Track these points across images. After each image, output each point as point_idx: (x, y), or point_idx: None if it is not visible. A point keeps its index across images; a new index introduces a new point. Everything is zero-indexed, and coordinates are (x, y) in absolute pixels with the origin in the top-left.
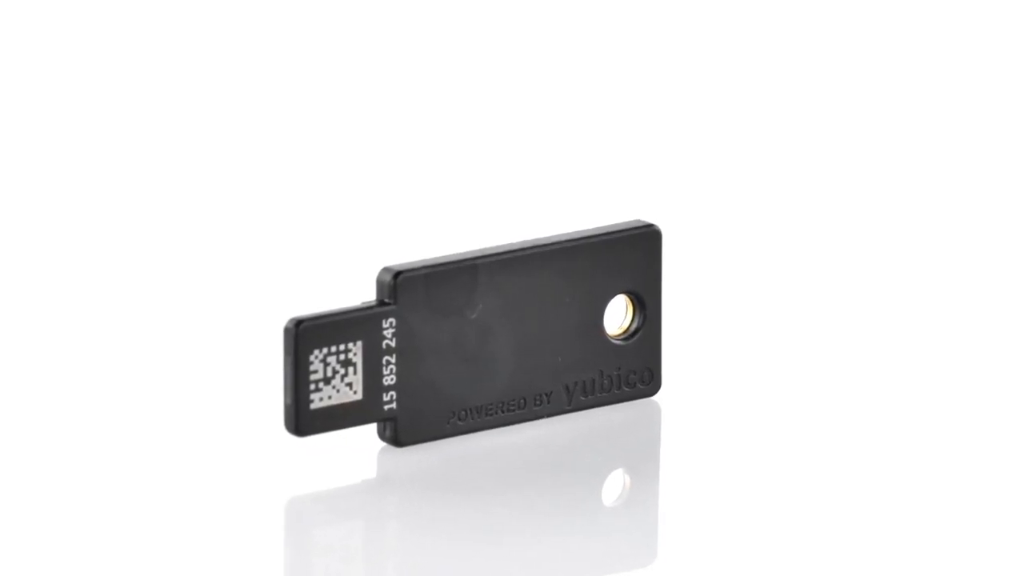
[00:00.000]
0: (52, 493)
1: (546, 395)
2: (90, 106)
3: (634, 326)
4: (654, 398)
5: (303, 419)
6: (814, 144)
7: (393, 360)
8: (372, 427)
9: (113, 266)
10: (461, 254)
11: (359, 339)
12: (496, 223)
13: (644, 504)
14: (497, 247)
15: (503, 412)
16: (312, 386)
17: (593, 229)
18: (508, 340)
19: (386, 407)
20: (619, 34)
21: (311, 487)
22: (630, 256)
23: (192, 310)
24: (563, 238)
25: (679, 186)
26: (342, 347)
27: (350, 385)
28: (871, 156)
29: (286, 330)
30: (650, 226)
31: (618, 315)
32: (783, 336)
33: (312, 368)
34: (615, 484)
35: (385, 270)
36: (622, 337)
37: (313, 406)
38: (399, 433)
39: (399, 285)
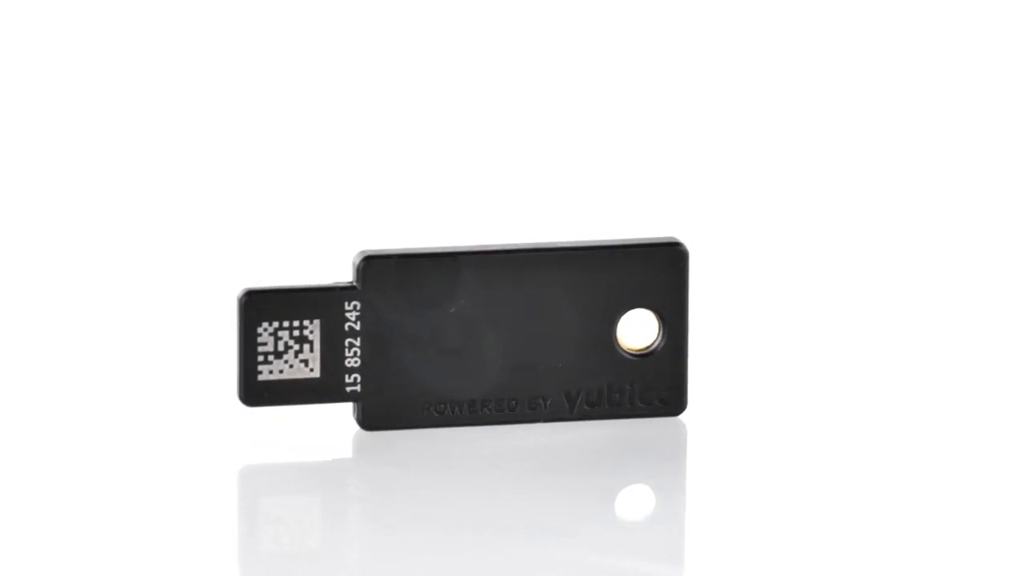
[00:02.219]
0: (10, 461)
1: (543, 400)
2: (75, 98)
3: (652, 343)
4: (679, 418)
5: (250, 389)
6: (845, 164)
7: (357, 343)
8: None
9: (115, 247)
10: (446, 247)
11: (317, 317)
12: (532, 230)
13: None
14: (492, 245)
15: (492, 411)
16: (260, 358)
17: (613, 239)
18: (498, 338)
19: (348, 389)
20: (663, 59)
21: (277, 459)
22: (650, 272)
23: (206, 289)
24: (572, 244)
25: (731, 207)
26: (296, 323)
27: (306, 362)
28: (899, 176)
29: (237, 300)
30: (676, 244)
31: (635, 330)
32: (814, 359)
33: (260, 340)
34: (620, 498)
35: (359, 253)
36: (637, 353)
37: (261, 378)
38: (364, 416)
39: (365, 269)
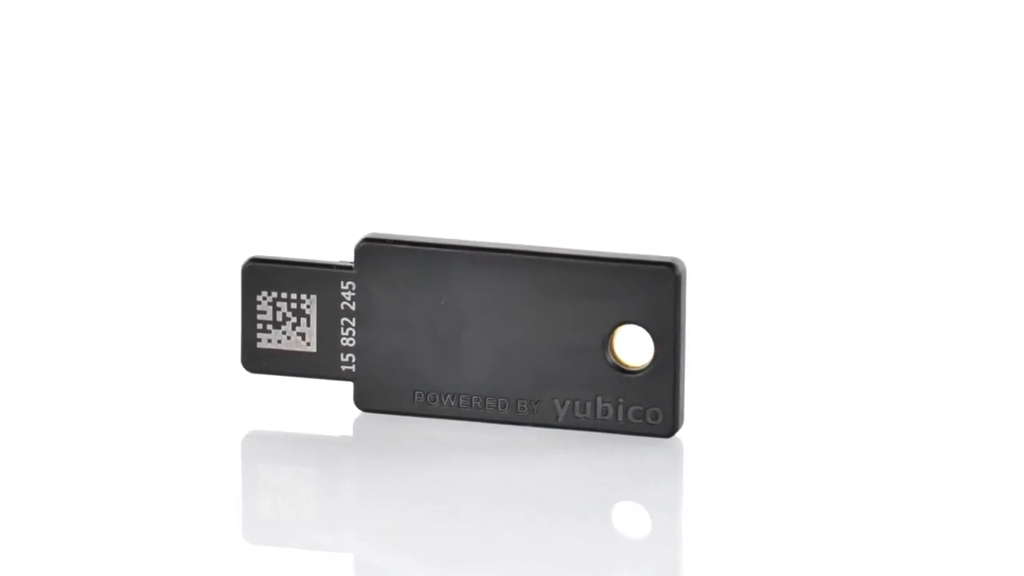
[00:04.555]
0: (20, 427)
1: (532, 403)
2: (84, 77)
3: (644, 362)
4: (674, 438)
5: (249, 355)
6: (845, 186)
7: (352, 323)
8: None
9: (124, 222)
10: (444, 239)
11: (313, 293)
12: (546, 234)
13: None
14: (488, 244)
15: (481, 407)
16: (260, 326)
17: (611, 253)
18: (487, 337)
19: (343, 367)
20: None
21: (281, 431)
22: (644, 290)
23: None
24: (568, 252)
25: (740, 229)
26: (294, 296)
27: (303, 335)
28: (894, 196)
29: (241, 267)
30: (671, 265)
31: (628, 346)
32: (812, 379)
33: (260, 308)
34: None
35: (364, 236)
36: (628, 369)
37: (260, 345)
38: (357, 396)
39: (360, 251)
